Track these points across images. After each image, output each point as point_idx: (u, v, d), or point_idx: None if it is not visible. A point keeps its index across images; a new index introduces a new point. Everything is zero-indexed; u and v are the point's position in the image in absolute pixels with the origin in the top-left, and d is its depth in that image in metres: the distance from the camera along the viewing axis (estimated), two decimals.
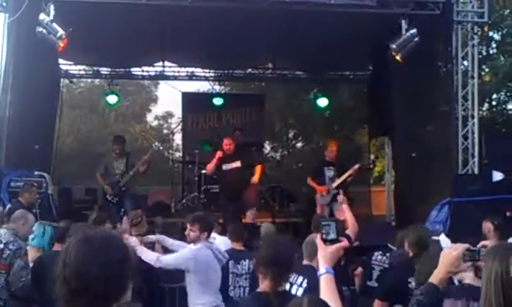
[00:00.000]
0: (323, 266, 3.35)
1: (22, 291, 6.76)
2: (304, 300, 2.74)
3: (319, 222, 8.28)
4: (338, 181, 12.67)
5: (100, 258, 2.38)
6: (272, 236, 4.55)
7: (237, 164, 12.10)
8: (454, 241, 7.22)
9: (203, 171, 15.00)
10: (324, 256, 3.38)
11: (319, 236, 3.46)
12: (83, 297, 2.35)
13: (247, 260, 7.62)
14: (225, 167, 12.15)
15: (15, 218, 7.39)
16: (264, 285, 4.14)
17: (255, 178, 12.06)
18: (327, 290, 3.26)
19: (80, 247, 2.42)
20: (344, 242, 3.59)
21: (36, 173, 11.37)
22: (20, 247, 6.86)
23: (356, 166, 13.00)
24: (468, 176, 11.86)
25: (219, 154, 12.06)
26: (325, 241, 3.44)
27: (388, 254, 8.23)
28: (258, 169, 12.32)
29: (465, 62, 12.56)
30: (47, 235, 7.10)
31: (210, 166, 12.31)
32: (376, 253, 8.43)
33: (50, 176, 11.98)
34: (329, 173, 12.89)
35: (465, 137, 12.10)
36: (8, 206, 9.97)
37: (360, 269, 8.62)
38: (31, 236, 7.05)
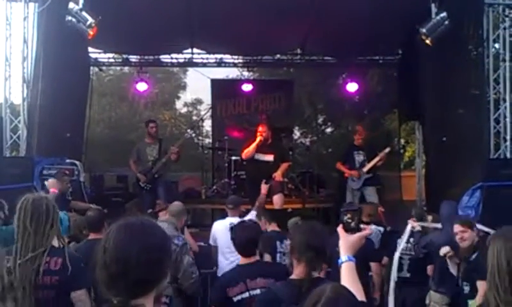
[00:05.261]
0: (344, 254, 3.35)
1: (193, 288, 6.80)
2: (327, 287, 2.75)
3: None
4: (369, 166, 12.74)
5: (140, 244, 2.44)
6: (307, 223, 4.56)
7: (270, 157, 12.08)
8: (486, 226, 7.20)
9: (233, 158, 15.03)
10: (345, 245, 3.39)
11: (340, 225, 3.47)
12: (123, 281, 2.40)
13: None
14: (257, 156, 12.14)
15: (175, 212, 7.40)
16: (297, 271, 4.17)
17: (278, 174, 11.96)
18: (348, 278, 3.27)
19: (120, 232, 2.48)
20: (367, 231, 3.59)
21: (67, 160, 11.48)
22: (185, 243, 6.89)
23: (387, 150, 13.05)
24: (500, 160, 11.74)
25: (258, 141, 12.06)
26: (346, 230, 3.44)
27: (412, 240, 8.20)
28: (284, 166, 12.26)
29: (496, 45, 12.41)
30: (64, 223, 7.14)
31: (250, 152, 12.26)
32: (398, 241, 8.38)
33: (81, 164, 12.08)
34: (359, 157, 12.97)
35: (497, 121, 11.98)
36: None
37: (386, 259, 8.59)
38: None
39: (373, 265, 8.03)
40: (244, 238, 5.67)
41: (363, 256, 7.58)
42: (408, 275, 8.07)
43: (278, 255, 7.84)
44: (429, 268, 7.91)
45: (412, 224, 8.23)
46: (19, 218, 4.75)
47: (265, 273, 5.43)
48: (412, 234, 8.13)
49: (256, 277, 5.30)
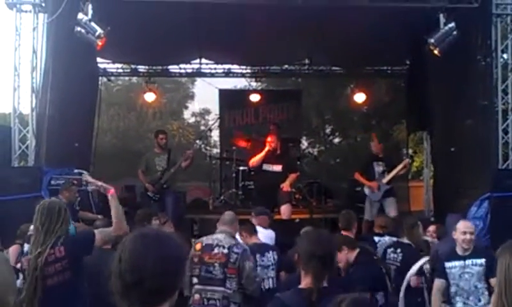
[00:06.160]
0: None
1: (257, 292, 6.83)
2: (348, 298, 2.76)
3: (346, 219, 8.55)
4: (388, 177, 12.61)
5: (155, 253, 2.44)
6: (313, 232, 4.56)
7: (279, 168, 12.14)
8: (494, 236, 7.21)
9: (241, 168, 15.04)
10: None
11: None
12: (137, 291, 2.40)
13: None
14: (266, 167, 12.22)
15: (229, 220, 7.41)
16: (305, 281, 4.16)
17: (286, 185, 12.04)
18: None
19: (136, 242, 2.49)
20: None
21: (76, 170, 11.49)
22: (245, 249, 6.95)
23: (407, 161, 13.01)
24: (509, 171, 11.68)
25: (266, 151, 12.11)
26: None
27: (399, 251, 8.21)
28: (292, 176, 12.32)
29: (505, 55, 12.38)
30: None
31: (256, 161, 12.34)
32: (388, 251, 8.39)
33: (89, 174, 12.09)
34: (379, 168, 12.80)
35: (505, 132, 11.93)
36: None
37: None
38: None
39: None
40: None
41: None
42: (393, 285, 8.08)
43: (259, 268, 7.72)
44: (412, 279, 7.90)
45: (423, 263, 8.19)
46: (35, 220, 5.36)
47: None
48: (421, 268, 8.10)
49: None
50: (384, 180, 12.63)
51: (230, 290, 6.61)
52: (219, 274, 6.64)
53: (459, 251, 7.23)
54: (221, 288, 6.61)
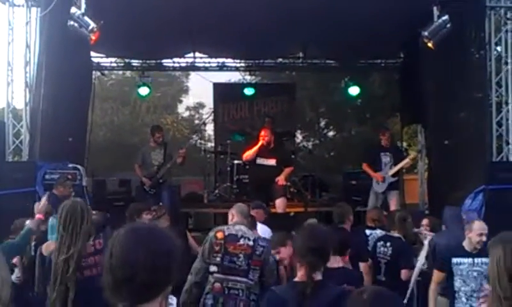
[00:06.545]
0: None
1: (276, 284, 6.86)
2: (368, 289, 2.77)
3: (340, 212, 8.58)
4: (394, 169, 12.59)
5: (147, 248, 2.41)
6: (309, 226, 4.58)
7: (273, 162, 12.12)
8: (489, 229, 7.22)
9: (236, 161, 15.04)
10: None
11: None
12: (128, 286, 2.38)
13: None
14: (260, 161, 12.19)
15: (246, 213, 7.37)
16: (300, 274, 4.19)
17: (281, 178, 12.03)
18: None
19: (127, 237, 2.46)
20: None
21: (70, 165, 11.47)
22: (268, 243, 6.94)
23: (415, 154, 12.99)
24: (503, 163, 11.72)
25: (260, 145, 12.11)
26: None
27: (388, 244, 8.21)
28: (287, 170, 12.31)
29: (498, 48, 12.41)
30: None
31: (250, 155, 12.34)
32: (378, 244, 8.40)
33: (84, 168, 12.08)
34: (386, 158, 12.77)
35: (499, 124, 11.96)
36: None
37: (370, 261, 8.57)
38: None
39: (362, 265, 8.04)
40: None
41: (354, 256, 7.60)
42: (384, 279, 8.11)
43: None
44: (403, 273, 7.93)
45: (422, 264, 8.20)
46: (59, 222, 5.53)
47: (344, 279, 5.46)
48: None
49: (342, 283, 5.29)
50: (390, 172, 12.60)
51: (252, 281, 6.56)
52: (244, 265, 6.57)
53: (467, 247, 7.25)
54: (244, 279, 6.55)
